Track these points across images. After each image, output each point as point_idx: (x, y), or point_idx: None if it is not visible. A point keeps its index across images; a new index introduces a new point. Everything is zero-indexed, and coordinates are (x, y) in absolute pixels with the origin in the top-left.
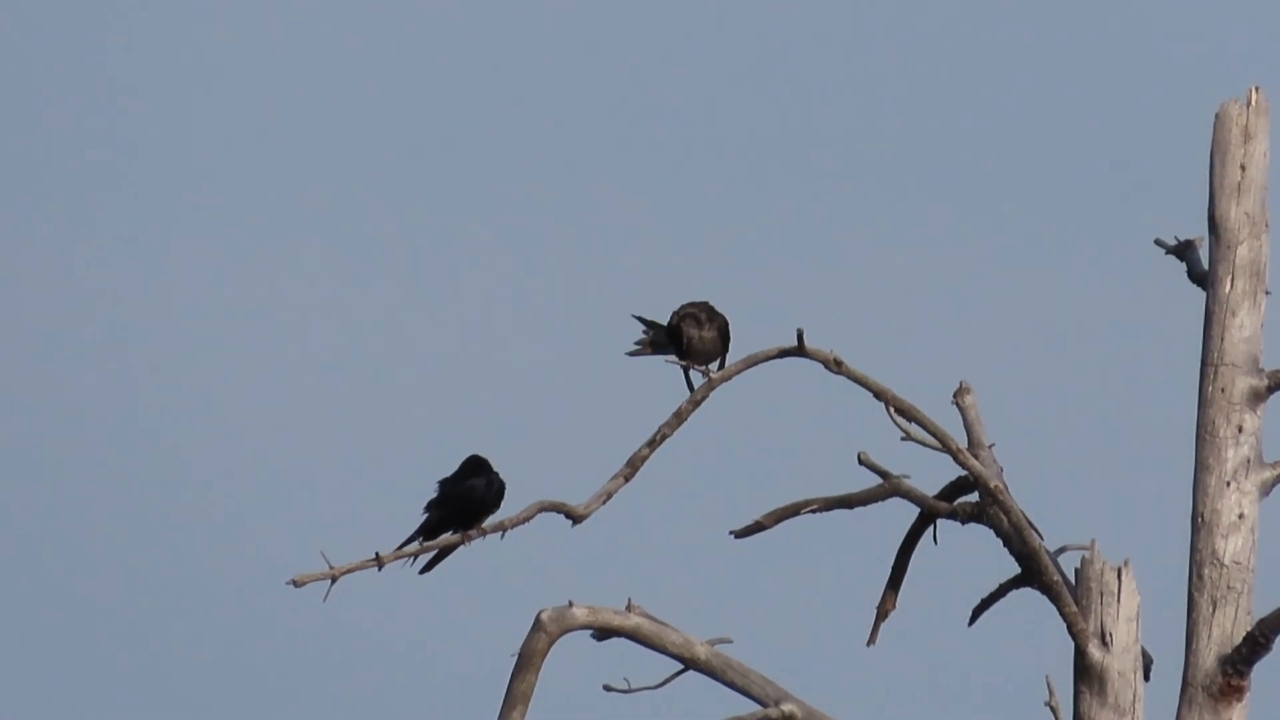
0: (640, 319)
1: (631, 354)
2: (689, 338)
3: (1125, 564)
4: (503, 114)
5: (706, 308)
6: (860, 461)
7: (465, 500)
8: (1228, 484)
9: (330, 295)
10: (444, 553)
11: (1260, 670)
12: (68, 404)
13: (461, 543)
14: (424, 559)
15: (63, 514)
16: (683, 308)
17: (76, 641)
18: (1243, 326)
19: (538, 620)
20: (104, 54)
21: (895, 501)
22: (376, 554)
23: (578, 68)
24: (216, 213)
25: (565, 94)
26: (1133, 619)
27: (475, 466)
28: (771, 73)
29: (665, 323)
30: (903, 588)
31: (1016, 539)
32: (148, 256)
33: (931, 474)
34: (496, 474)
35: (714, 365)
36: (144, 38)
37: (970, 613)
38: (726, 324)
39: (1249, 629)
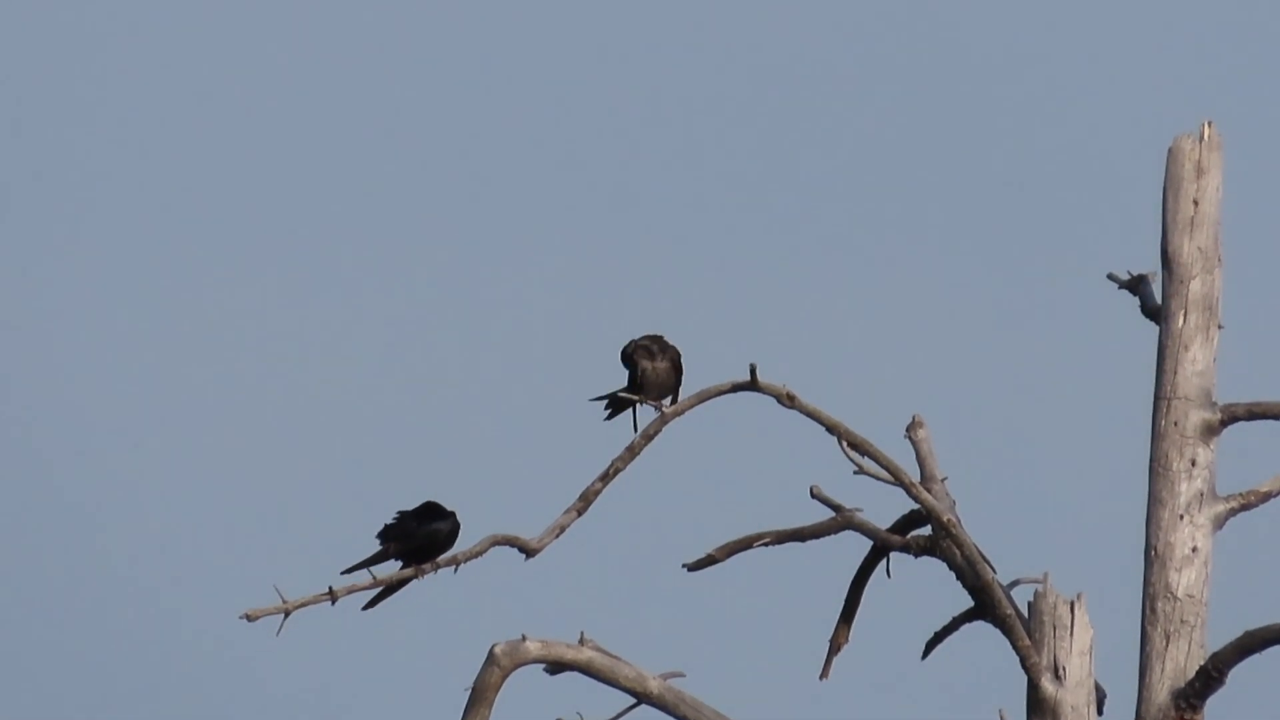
0: (597, 399)
1: (609, 419)
2: (643, 369)
3: (1078, 597)
4: (459, 150)
5: (658, 340)
6: (813, 495)
7: (428, 541)
8: (1181, 517)
9: (286, 324)
10: (389, 590)
11: (1213, 704)
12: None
13: (414, 577)
14: (368, 595)
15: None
16: (634, 342)
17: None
18: (1195, 361)
19: (491, 654)
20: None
21: (848, 535)
22: (330, 588)
23: (533, 103)
24: (165, 234)
25: (524, 127)
26: (1086, 652)
27: (435, 512)
28: (721, 105)
29: (617, 392)
30: (856, 621)
31: (969, 572)
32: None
33: (884, 508)
34: (454, 514)
35: (667, 399)
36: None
37: (923, 646)
38: (679, 355)
39: (1202, 663)
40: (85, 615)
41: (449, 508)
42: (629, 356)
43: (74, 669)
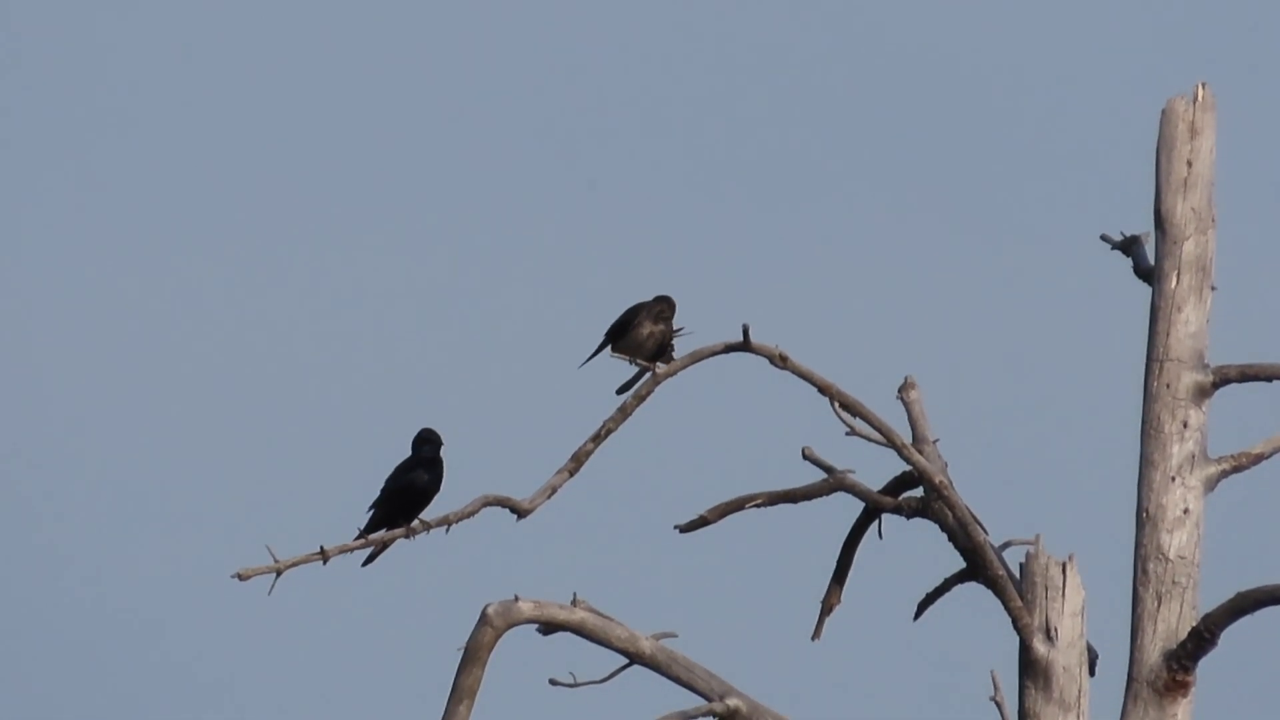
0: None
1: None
2: (638, 327)
3: (1070, 559)
4: (455, 114)
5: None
6: (805, 456)
7: (407, 493)
8: (1173, 479)
9: (274, 290)
10: (385, 545)
11: (1205, 665)
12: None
13: (405, 535)
14: (361, 555)
15: None
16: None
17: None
18: (1188, 322)
19: (483, 614)
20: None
21: (840, 496)
22: (321, 548)
23: (529, 72)
24: (153, 210)
25: (518, 96)
26: (1078, 614)
27: (424, 443)
28: (714, 73)
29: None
30: (847, 582)
31: (961, 534)
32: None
33: (876, 469)
34: (440, 456)
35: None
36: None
37: (915, 607)
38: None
39: (1194, 624)
40: (78, 580)
41: (438, 436)
42: (664, 302)
43: (64, 631)
